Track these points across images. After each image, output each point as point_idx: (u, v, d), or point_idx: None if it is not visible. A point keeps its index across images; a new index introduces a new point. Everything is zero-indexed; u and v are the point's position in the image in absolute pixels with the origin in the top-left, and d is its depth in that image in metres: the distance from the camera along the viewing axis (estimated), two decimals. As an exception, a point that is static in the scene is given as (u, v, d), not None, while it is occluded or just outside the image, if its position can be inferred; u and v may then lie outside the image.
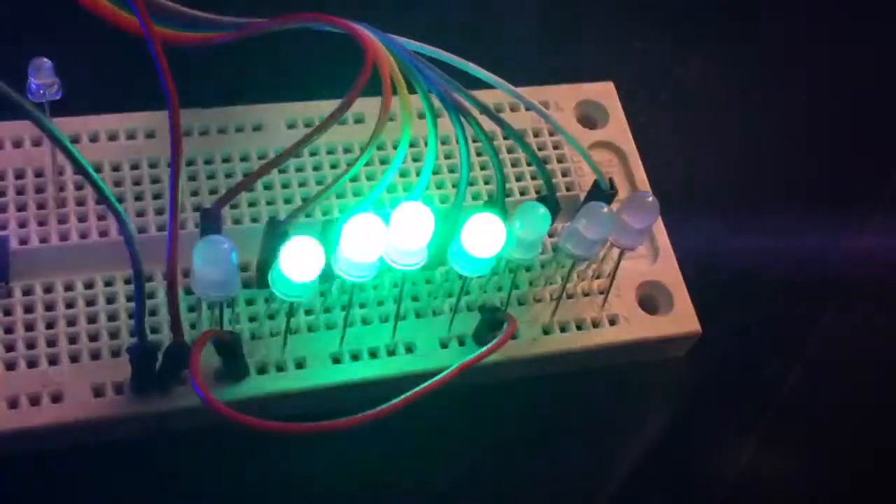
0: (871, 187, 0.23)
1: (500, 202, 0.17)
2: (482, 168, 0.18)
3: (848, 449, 0.20)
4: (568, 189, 0.19)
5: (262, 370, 0.16)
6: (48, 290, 0.16)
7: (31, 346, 0.15)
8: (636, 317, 0.18)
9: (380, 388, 0.16)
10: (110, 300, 0.16)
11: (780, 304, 0.21)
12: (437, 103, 0.17)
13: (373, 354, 0.16)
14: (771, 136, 0.23)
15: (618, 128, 0.20)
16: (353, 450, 0.16)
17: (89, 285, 0.16)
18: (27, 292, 0.16)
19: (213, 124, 0.18)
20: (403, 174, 0.18)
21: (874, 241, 0.23)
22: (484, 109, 0.17)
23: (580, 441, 0.18)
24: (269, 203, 0.17)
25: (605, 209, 0.16)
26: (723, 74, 0.23)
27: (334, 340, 0.16)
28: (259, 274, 0.16)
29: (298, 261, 0.14)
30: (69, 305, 0.16)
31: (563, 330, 0.17)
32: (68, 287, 0.16)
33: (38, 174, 0.16)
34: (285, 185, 0.17)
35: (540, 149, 0.19)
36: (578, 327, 0.18)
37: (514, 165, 0.19)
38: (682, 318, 0.18)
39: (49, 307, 0.16)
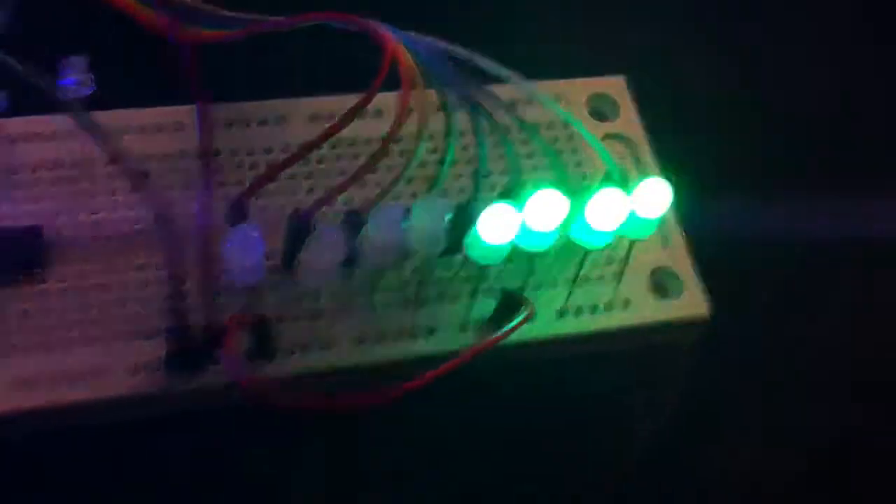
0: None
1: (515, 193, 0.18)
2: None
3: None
4: (584, 179, 0.20)
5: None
6: (82, 275, 0.17)
7: (68, 327, 0.16)
8: (647, 301, 0.19)
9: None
10: (145, 284, 0.17)
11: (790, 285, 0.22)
12: (453, 99, 0.18)
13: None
14: (777, 125, 0.24)
15: (628, 120, 0.21)
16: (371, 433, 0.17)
17: (123, 270, 0.17)
18: (61, 279, 0.17)
19: (237, 118, 0.19)
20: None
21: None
22: (501, 105, 0.18)
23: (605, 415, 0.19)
24: (291, 194, 0.18)
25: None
26: (727, 67, 0.24)
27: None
28: (285, 259, 0.17)
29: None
30: (104, 289, 0.17)
31: (577, 314, 0.18)
32: (105, 271, 0.17)
33: (72, 165, 0.18)
34: (307, 177, 0.18)
35: (554, 140, 0.20)
36: (592, 311, 0.18)
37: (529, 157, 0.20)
38: (691, 303, 0.19)
39: (84, 291, 0.17)
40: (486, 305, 0.18)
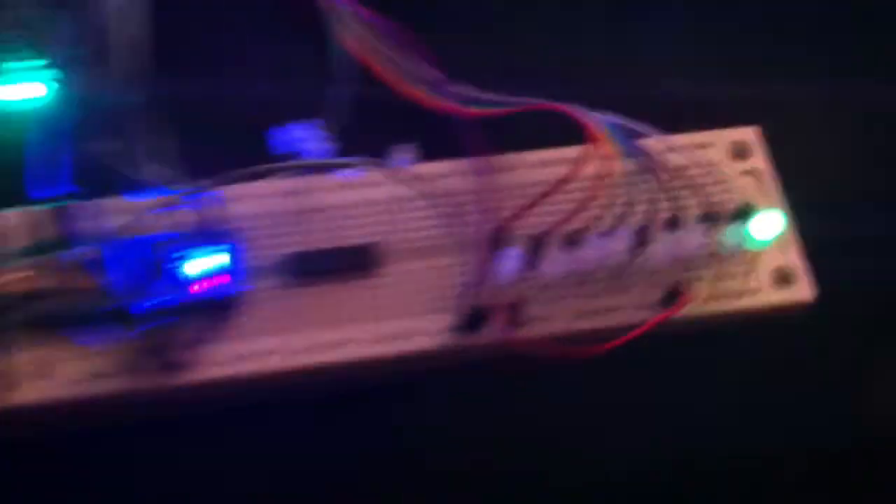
0: None
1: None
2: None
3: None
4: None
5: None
6: (405, 272, 0.26)
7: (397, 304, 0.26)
8: (770, 287, 0.28)
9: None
10: (443, 278, 0.26)
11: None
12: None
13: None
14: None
15: (759, 162, 0.29)
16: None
17: (429, 268, 0.26)
18: (391, 274, 0.27)
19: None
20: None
21: None
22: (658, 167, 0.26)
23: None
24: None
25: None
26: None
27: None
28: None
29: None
30: (419, 280, 0.26)
31: (714, 299, 0.27)
32: (419, 269, 0.26)
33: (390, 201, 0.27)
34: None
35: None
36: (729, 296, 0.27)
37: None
38: (802, 290, 0.28)
39: (405, 282, 0.26)
40: (657, 293, 0.27)
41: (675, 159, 0.27)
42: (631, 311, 0.26)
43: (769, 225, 0.26)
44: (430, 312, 0.26)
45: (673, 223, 0.27)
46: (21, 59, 0.27)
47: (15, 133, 0.25)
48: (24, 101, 0.26)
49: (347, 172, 0.26)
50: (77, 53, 0.27)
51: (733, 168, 0.29)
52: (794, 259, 0.27)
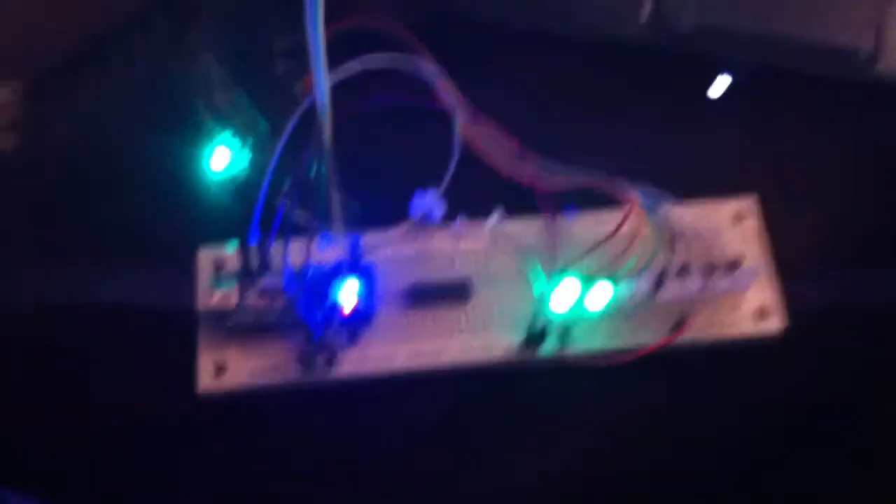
0: None
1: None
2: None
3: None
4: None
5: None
6: (489, 298, 0.37)
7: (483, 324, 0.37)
8: (753, 320, 0.38)
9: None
10: (516, 304, 0.37)
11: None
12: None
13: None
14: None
15: (756, 224, 0.38)
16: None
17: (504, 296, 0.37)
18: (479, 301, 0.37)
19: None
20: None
21: None
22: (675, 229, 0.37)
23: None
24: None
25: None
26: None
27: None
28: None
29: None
30: (495, 305, 0.37)
31: (711, 327, 0.36)
32: (497, 297, 0.37)
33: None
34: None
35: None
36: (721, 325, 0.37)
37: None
38: (778, 323, 0.38)
39: (488, 307, 0.37)
40: (668, 322, 0.37)
41: (690, 220, 0.37)
42: (648, 334, 0.36)
43: (751, 275, 0.37)
44: (505, 331, 0.36)
45: (683, 270, 0.37)
46: (226, 135, 0.38)
47: (227, 190, 0.37)
48: (227, 169, 0.38)
49: (453, 226, 0.37)
50: (263, 131, 0.38)
51: (735, 227, 0.39)
52: (772, 298, 0.37)
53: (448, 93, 0.39)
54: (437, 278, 0.36)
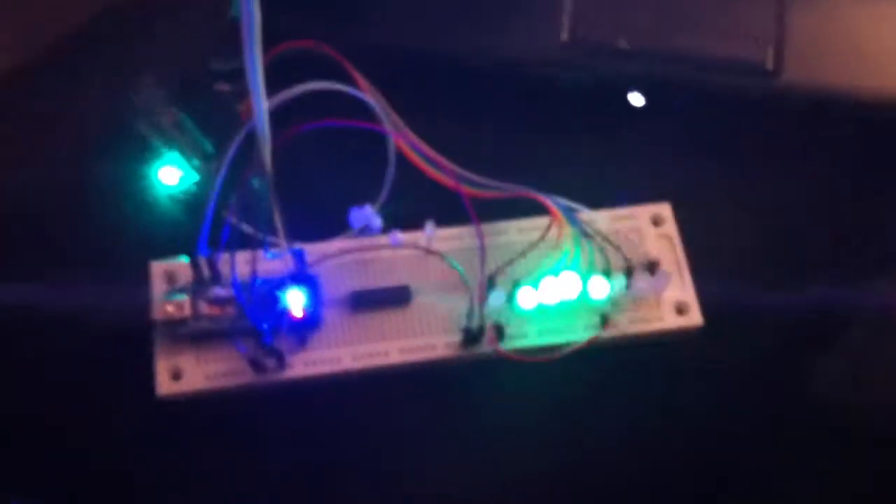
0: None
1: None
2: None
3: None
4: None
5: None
6: (426, 303, 0.40)
7: (428, 327, 0.39)
8: (671, 315, 0.41)
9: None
10: (454, 308, 0.39)
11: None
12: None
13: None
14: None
15: (671, 229, 0.42)
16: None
17: (449, 300, 0.40)
18: (419, 305, 0.40)
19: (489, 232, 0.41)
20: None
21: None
22: (596, 233, 0.39)
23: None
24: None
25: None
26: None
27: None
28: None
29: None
30: (439, 308, 0.40)
31: (633, 323, 0.39)
32: (438, 300, 0.40)
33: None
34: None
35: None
36: (643, 321, 0.40)
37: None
38: (694, 318, 0.41)
39: (428, 310, 0.40)
40: (594, 319, 0.40)
41: (609, 226, 0.41)
42: (576, 331, 0.39)
43: (669, 275, 0.40)
44: (444, 332, 0.38)
45: (605, 272, 0.40)
46: (173, 154, 0.40)
47: (175, 206, 0.39)
48: (176, 186, 0.40)
49: (391, 237, 0.39)
50: (209, 151, 0.40)
51: (651, 232, 0.42)
52: (689, 295, 0.40)
53: (382, 113, 0.41)
54: (378, 285, 0.39)
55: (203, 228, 0.37)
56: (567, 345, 0.38)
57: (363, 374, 0.38)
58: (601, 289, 0.39)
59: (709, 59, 0.45)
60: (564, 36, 0.45)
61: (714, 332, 0.39)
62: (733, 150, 0.43)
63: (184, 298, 0.37)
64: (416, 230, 0.39)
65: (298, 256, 0.38)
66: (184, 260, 0.37)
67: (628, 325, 0.39)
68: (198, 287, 0.37)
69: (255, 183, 0.35)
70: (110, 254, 0.39)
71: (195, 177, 0.39)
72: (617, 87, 0.44)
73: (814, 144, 0.43)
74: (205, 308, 0.37)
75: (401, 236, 0.39)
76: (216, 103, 0.40)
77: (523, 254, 0.39)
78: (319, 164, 0.41)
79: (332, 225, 0.39)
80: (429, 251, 0.39)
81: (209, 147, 0.40)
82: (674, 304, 0.40)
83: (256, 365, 0.36)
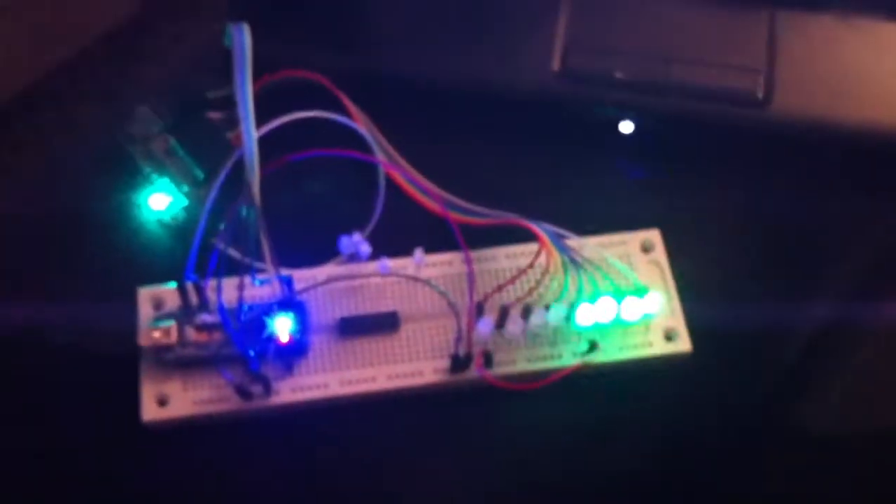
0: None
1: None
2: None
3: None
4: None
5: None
6: (415, 330, 0.40)
7: (413, 351, 0.39)
8: (660, 342, 0.41)
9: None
10: (443, 334, 0.40)
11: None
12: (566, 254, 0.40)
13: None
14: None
15: (660, 255, 0.42)
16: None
17: (432, 327, 0.40)
18: (406, 331, 0.40)
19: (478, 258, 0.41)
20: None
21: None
22: (584, 261, 0.40)
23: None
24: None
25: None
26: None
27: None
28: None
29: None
30: (425, 335, 0.40)
31: (621, 350, 0.40)
32: (424, 328, 0.40)
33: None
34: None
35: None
36: (631, 347, 0.40)
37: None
38: (683, 344, 0.41)
39: (417, 337, 0.40)
40: (582, 345, 0.40)
41: (599, 253, 0.41)
42: (564, 358, 0.39)
43: (657, 300, 0.40)
44: (432, 358, 0.39)
45: (592, 297, 0.40)
46: (164, 180, 0.40)
47: (164, 232, 0.39)
48: (165, 212, 0.40)
49: (379, 264, 0.39)
50: (199, 177, 0.40)
51: (641, 258, 0.42)
52: (678, 322, 0.40)
53: (372, 141, 0.42)
54: (366, 311, 0.39)
55: (191, 254, 0.37)
56: (555, 371, 0.38)
57: (351, 400, 0.38)
58: (589, 315, 0.38)
59: (699, 88, 0.45)
60: (556, 65, 0.45)
61: (703, 358, 0.39)
62: (723, 178, 0.43)
63: (171, 324, 0.37)
64: (404, 257, 0.39)
65: (286, 283, 0.38)
66: (171, 286, 0.37)
67: (616, 351, 0.39)
68: (185, 313, 0.37)
69: (244, 210, 0.35)
70: (98, 279, 0.39)
71: (185, 203, 0.40)
72: (607, 116, 0.44)
73: (803, 172, 0.43)
74: (192, 334, 0.37)
75: (389, 263, 0.39)
76: (208, 130, 0.41)
77: (512, 280, 0.39)
78: (308, 190, 0.41)
79: (321, 252, 0.39)
80: (417, 278, 0.39)
81: (200, 173, 0.40)
82: (663, 331, 0.40)
83: (243, 392, 0.36)
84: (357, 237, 0.38)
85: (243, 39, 0.37)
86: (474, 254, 0.40)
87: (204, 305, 0.37)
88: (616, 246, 0.41)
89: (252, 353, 0.36)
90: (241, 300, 0.37)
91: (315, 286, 0.39)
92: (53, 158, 0.42)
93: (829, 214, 0.42)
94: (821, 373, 0.40)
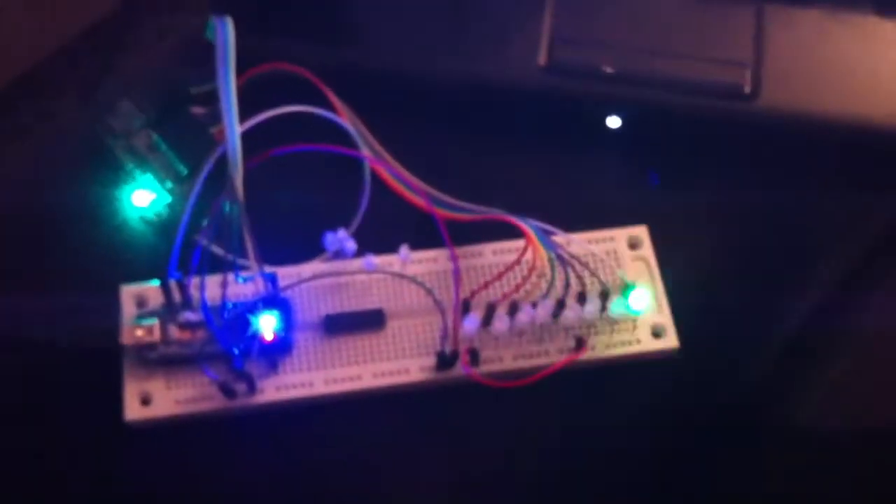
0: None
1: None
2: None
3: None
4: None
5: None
6: (400, 327, 0.40)
7: (398, 348, 0.39)
8: (648, 338, 0.40)
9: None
10: (429, 331, 0.39)
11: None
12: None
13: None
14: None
15: (648, 251, 0.42)
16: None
17: (418, 324, 0.40)
18: (392, 329, 0.40)
19: (464, 254, 0.41)
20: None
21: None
22: (572, 256, 0.39)
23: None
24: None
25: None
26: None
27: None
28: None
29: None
30: (411, 332, 0.39)
31: (609, 346, 0.40)
32: (411, 325, 0.40)
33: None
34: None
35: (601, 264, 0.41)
36: (618, 344, 0.40)
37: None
38: (670, 341, 0.41)
39: (402, 334, 0.39)
40: (567, 343, 0.40)
41: (586, 249, 0.40)
42: (551, 355, 0.39)
43: (644, 297, 0.39)
44: (418, 356, 0.38)
45: (581, 295, 0.39)
46: (147, 177, 0.40)
47: (147, 228, 0.39)
48: (148, 209, 0.40)
49: (365, 261, 0.39)
50: (182, 173, 0.40)
51: (628, 255, 0.42)
52: (665, 318, 0.40)
53: (357, 137, 0.41)
54: (351, 308, 0.38)
55: (174, 251, 0.36)
56: (542, 368, 0.38)
57: (336, 398, 0.37)
58: (576, 312, 0.38)
59: (686, 82, 0.45)
60: (542, 60, 0.45)
61: (690, 355, 0.39)
62: (711, 173, 0.43)
63: (154, 322, 0.36)
64: (390, 254, 0.39)
65: (270, 280, 0.37)
66: (154, 283, 0.37)
67: (604, 348, 0.39)
68: (168, 311, 0.37)
69: (227, 206, 0.35)
70: (80, 276, 0.39)
71: (168, 199, 0.39)
72: (594, 111, 0.44)
73: (791, 167, 0.43)
74: (175, 332, 0.36)
75: (375, 260, 0.38)
76: (191, 125, 0.40)
77: (499, 276, 0.38)
78: (293, 187, 0.40)
79: (306, 248, 0.39)
80: (403, 275, 0.38)
81: (183, 169, 0.39)
82: (650, 327, 0.39)
83: (227, 390, 0.36)
84: (342, 234, 0.38)
85: (226, 33, 0.36)
86: (460, 250, 0.39)
87: (187, 303, 0.37)
88: (603, 242, 0.41)
89: (236, 351, 0.36)
90: (224, 298, 0.36)
91: (300, 283, 0.38)
92: (35, 154, 0.42)
93: (817, 209, 0.42)
94: (809, 371, 0.40)
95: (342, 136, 0.42)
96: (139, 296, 0.38)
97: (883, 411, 0.39)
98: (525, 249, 0.38)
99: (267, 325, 0.36)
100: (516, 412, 0.38)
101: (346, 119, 0.42)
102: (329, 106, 0.42)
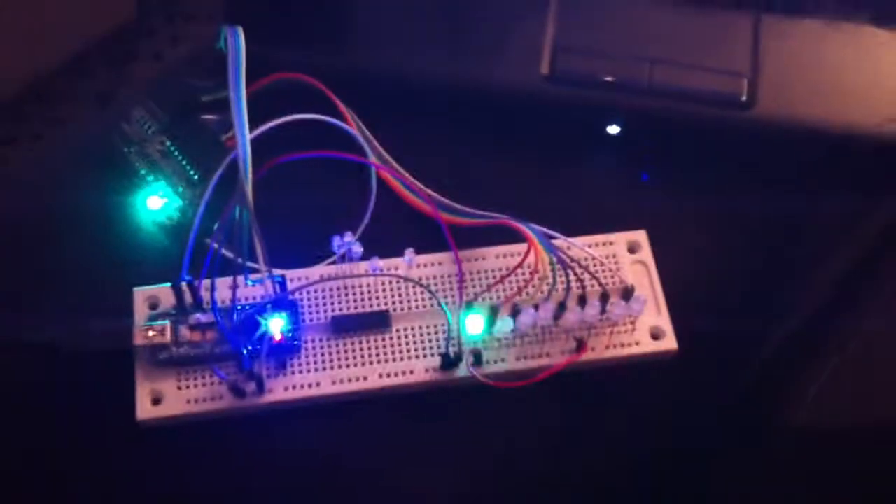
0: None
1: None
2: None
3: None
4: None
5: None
6: (405, 329, 0.41)
7: (404, 349, 0.40)
8: (647, 341, 0.41)
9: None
10: (434, 333, 0.40)
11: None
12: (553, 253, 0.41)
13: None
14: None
15: (646, 255, 0.43)
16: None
17: (420, 327, 0.40)
18: (397, 330, 0.41)
19: (467, 258, 0.42)
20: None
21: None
22: (573, 260, 0.40)
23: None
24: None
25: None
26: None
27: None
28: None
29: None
30: (415, 334, 0.40)
31: (609, 348, 0.40)
32: (413, 327, 0.40)
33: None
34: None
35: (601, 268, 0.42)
36: (618, 346, 0.41)
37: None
38: (669, 343, 0.41)
39: (406, 335, 0.40)
40: (568, 345, 0.40)
41: (586, 252, 0.41)
42: (552, 356, 0.40)
43: (644, 300, 0.40)
44: (423, 357, 0.39)
45: (581, 297, 0.40)
46: (159, 182, 0.41)
47: (159, 232, 0.40)
48: (161, 210, 0.41)
49: (371, 264, 0.40)
50: (194, 179, 0.41)
51: (627, 259, 0.42)
52: (664, 321, 0.41)
53: (364, 143, 0.42)
54: (357, 310, 0.39)
55: (186, 255, 0.37)
56: (543, 369, 0.39)
57: (342, 398, 0.38)
58: (576, 314, 0.39)
59: (685, 91, 0.46)
60: (544, 69, 0.46)
61: (688, 357, 0.40)
62: (709, 179, 0.44)
63: (165, 324, 0.37)
64: (395, 257, 0.40)
65: (279, 283, 0.38)
66: (166, 286, 0.38)
67: (604, 350, 0.39)
68: (179, 313, 0.38)
69: (238, 211, 0.36)
70: (94, 279, 0.40)
71: (179, 203, 0.40)
72: (595, 118, 0.45)
73: (787, 173, 0.44)
74: (186, 333, 0.37)
75: (381, 263, 0.39)
76: (202, 132, 0.41)
77: (501, 279, 0.39)
78: (301, 192, 0.41)
79: (314, 252, 0.40)
80: (408, 278, 0.39)
81: (194, 175, 0.40)
82: (649, 330, 0.40)
83: (236, 390, 0.37)
84: (349, 238, 0.39)
85: (238, 42, 0.37)
86: (464, 254, 0.40)
87: (198, 305, 0.38)
88: (603, 246, 0.42)
89: (245, 351, 0.37)
90: (234, 300, 0.37)
91: (308, 286, 0.39)
92: (50, 159, 0.43)
93: (813, 214, 0.43)
94: (808, 371, 0.41)
95: (349, 143, 0.43)
96: (151, 298, 0.39)
97: (883, 411, 0.39)
98: (527, 253, 0.39)
99: (275, 326, 0.37)
100: (519, 412, 0.39)
101: (353, 127, 0.43)
102: (337, 114, 0.43)
